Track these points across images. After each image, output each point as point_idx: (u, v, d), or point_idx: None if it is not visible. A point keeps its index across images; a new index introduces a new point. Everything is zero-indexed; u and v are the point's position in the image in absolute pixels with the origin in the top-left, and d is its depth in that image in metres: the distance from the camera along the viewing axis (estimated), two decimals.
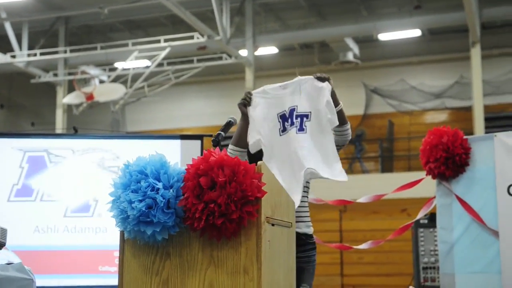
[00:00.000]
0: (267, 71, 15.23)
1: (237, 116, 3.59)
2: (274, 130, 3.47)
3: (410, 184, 5.09)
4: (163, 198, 2.60)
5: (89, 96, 14.00)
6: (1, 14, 13.72)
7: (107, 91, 14.25)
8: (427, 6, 13.83)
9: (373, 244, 5.21)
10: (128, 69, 14.58)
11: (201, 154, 2.74)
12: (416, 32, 14.10)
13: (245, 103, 3.47)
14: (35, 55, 14.53)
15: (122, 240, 2.77)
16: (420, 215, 5.19)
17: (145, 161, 2.68)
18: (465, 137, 4.86)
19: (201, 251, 2.65)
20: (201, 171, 2.58)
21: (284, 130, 3.46)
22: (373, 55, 15.48)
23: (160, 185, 2.62)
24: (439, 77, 14.87)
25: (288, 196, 2.99)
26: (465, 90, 14.11)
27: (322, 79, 3.46)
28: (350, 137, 3.63)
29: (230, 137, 3.68)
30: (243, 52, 13.81)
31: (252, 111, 3.45)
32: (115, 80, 14.74)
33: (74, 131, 6.32)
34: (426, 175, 4.99)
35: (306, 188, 3.57)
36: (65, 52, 14.80)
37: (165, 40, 13.56)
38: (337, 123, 3.45)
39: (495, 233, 4.64)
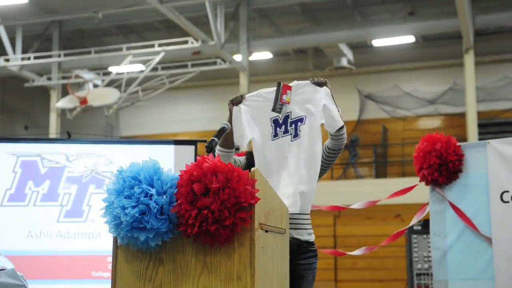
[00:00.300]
0: (261, 76, 15.23)
1: None
2: (266, 134, 3.46)
3: (403, 191, 5.10)
4: (157, 204, 2.60)
5: (83, 101, 13.97)
6: None
7: (101, 96, 14.22)
8: (421, 12, 13.89)
9: (367, 250, 5.21)
10: (122, 73, 14.57)
11: (195, 160, 2.74)
12: (410, 39, 14.15)
13: (234, 102, 3.46)
14: (29, 59, 14.49)
15: (115, 246, 2.76)
16: (414, 221, 5.20)
17: (138, 167, 2.68)
18: (458, 144, 4.88)
19: (195, 257, 2.65)
20: (194, 177, 2.58)
21: (275, 135, 3.45)
22: (367, 61, 15.51)
23: (153, 191, 2.62)
24: (433, 83, 14.92)
25: (282, 203, 2.99)
26: (459, 97, 14.17)
27: (319, 84, 3.41)
28: (345, 141, 3.59)
29: None
30: (237, 57, 13.82)
31: (244, 113, 3.43)
32: (109, 84, 14.73)
33: (67, 136, 6.30)
34: (420, 181, 5.00)
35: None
36: (59, 56, 14.78)
37: (159, 45, 13.57)
38: (339, 125, 3.39)
39: (488, 240, 4.66)
